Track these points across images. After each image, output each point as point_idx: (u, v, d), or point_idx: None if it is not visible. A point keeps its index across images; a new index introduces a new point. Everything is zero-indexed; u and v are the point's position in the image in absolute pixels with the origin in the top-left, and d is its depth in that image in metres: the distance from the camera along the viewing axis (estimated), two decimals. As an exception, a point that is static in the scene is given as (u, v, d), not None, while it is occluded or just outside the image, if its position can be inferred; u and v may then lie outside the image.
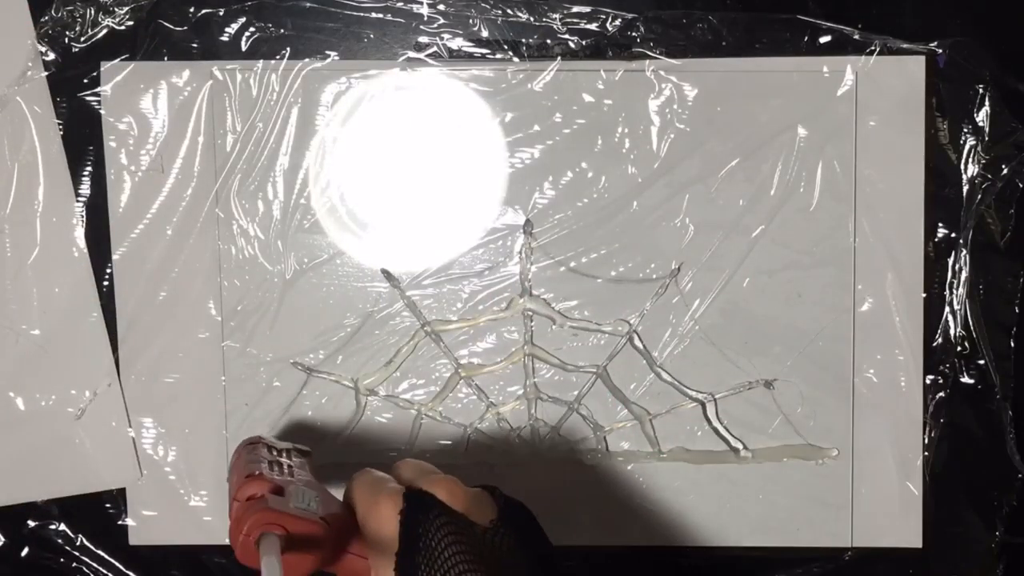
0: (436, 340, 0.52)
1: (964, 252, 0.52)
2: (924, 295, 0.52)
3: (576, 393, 0.53)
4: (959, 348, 0.52)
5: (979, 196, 0.52)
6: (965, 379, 0.52)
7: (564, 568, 0.39)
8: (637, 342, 0.52)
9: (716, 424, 0.53)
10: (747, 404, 0.53)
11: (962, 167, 0.52)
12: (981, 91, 0.51)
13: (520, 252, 0.52)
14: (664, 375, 0.52)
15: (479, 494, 0.38)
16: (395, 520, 0.36)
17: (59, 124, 0.52)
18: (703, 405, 0.53)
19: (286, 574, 0.34)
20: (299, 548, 0.35)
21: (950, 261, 0.52)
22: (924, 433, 0.53)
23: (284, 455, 0.43)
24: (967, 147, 0.52)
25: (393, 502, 0.36)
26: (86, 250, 0.52)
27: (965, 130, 0.51)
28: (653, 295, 0.52)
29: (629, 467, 0.53)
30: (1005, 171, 0.51)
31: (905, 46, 0.51)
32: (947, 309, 0.52)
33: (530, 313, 0.52)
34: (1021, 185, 0.52)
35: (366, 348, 0.53)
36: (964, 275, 0.52)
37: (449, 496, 0.37)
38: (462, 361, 0.53)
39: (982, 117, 0.51)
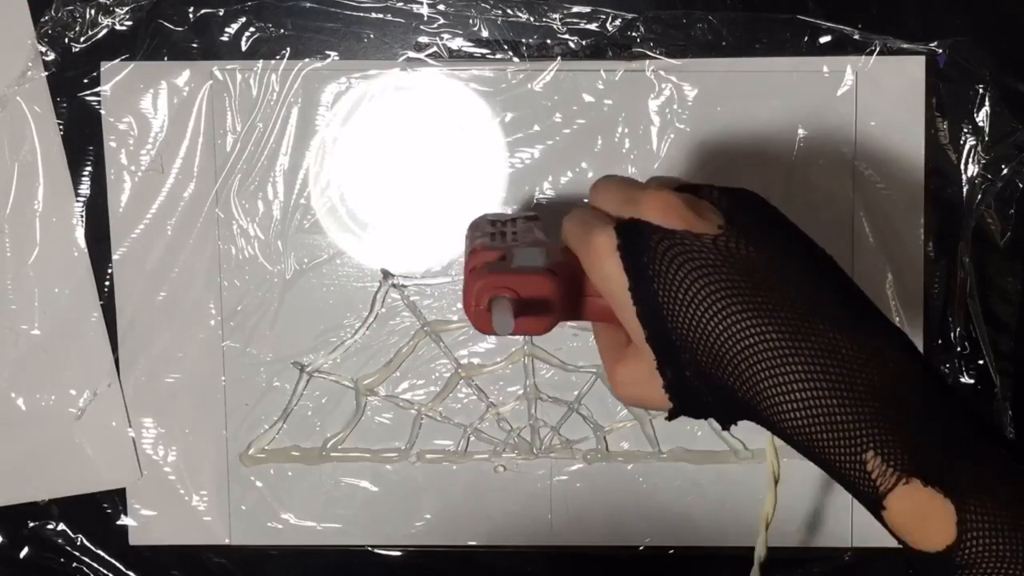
0: (436, 340, 0.52)
1: (964, 252, 0.52)
2: (924, 295, 0.52)
3: (576, 393, 0.53)
4: (959, 348, 0.52)
5: (979, 196, 0.52)
6: (965, 379, 0.52)
7: (815, 248, 0.36)
8: (637, 342, 0.52)
9: (716, 424, 0.53)
10: (747, 404, 0.53)
11: (962, 167, 0.52)
12: (981, 91, 0.51)
13: (520, 252, 0.52)
14: (664, 375, 0.52)
15: (695, 203, 0.35)
16: (615, 258, 0.34)
17: (59, 124, 0.52)
18: (703, 405, 0.53)
19: (529, 333, 0.33)
20: (535, 310, 0.34)
21: (950, 261, 0.52)
22: (924, 433, 0.53)
23: (508, 225, 0.42)
24: (967, 147, 0.52)
25: (607, 239, 0.34)
26: (86, 250, 0.52)
27: (965, 130, 0.51)
28: (653, 295, 0.52)
29: (629, 467, 0.53)
30: (1005, 171, 0.51)
31: (905, 46, 0.51)
32: (947, 309, 0.52)
33: (530, 313, 0.52)
34: (1021, 185, 0.52)
35: (366, 348, 0.53)
36: (964, 275, 0.52)
37: (663, 215, 0.34)
38: (462, 361, 0.53)
39: (982, 117, 0.51)
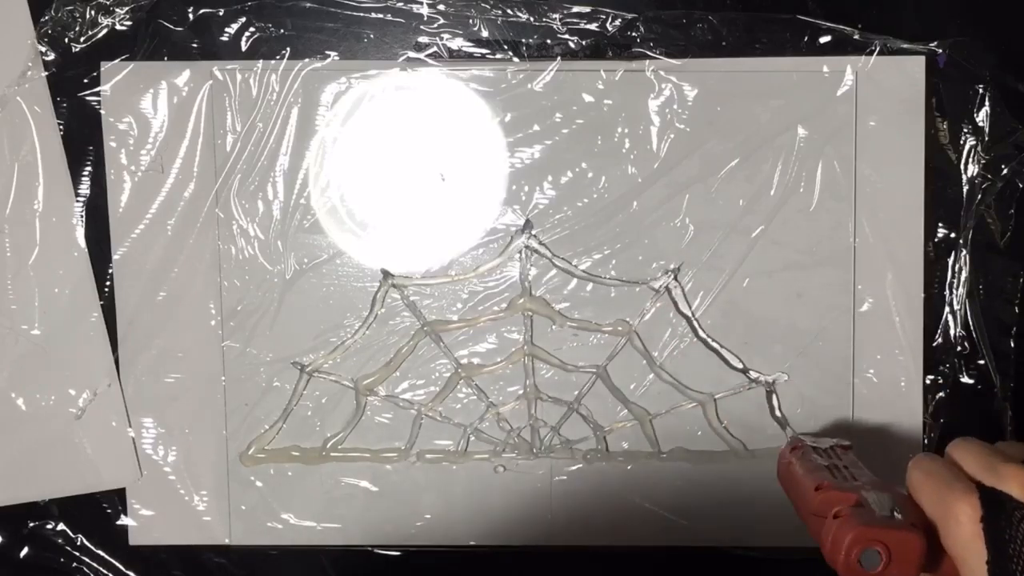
0: (436, 340, 0.53)
1: (964, 252, 0.52)
2: (924, 295, 0.52)
3: (576, 393, 0.53)
4: (959, 348, 0.52)
5: (979, 196, 0.52)
6: (965, 379, 0.52)
7: None
8: (637, 342, 0.52)
9: (716, 424, 0.53)
10: (747, 404, 0.53)
11: (962, 167, 0.52)
12: (981, 91, 0.51)
13: (520, 252, 0.52)
14: (664, 375, 0.52)
15: None
16: (977, 528, 0.34)
17: (59, 124, 0.52)
18: (703, 405, 0.53)
19: None
20: (902, 560, 0.36)
21: (950, 261, 0.52)
22: (924, 433, 0.53)
23: (832, 455, 0.43)
24: (967, 147, 0.52)
25: (968, 505, 0.35)
26: (86, 250, 0.53)
27: (965, 130, 0.51)
28: (653, 295, 0.52)
29: (629, 467, 0.53)
30: (1005, 171, 0.51)
31: (905, 46, 0.51)
32: (947, 309, 0.52)
33: (530, 313, 0.52)
34: (1021, 185, 0.52)
35: (366, 348, 0.53)
36: (964, 275, 0.52)
37: None
38: (462, 361, 0.53)
39: (982, 117, 0.51)
